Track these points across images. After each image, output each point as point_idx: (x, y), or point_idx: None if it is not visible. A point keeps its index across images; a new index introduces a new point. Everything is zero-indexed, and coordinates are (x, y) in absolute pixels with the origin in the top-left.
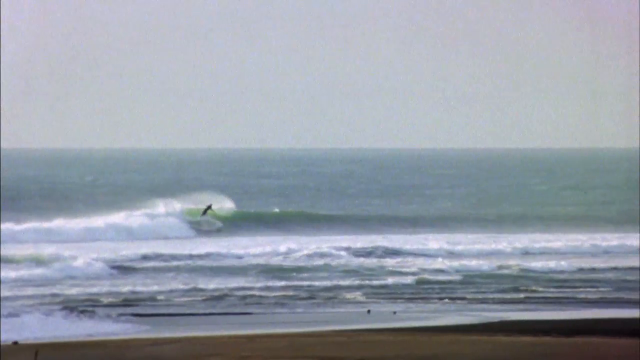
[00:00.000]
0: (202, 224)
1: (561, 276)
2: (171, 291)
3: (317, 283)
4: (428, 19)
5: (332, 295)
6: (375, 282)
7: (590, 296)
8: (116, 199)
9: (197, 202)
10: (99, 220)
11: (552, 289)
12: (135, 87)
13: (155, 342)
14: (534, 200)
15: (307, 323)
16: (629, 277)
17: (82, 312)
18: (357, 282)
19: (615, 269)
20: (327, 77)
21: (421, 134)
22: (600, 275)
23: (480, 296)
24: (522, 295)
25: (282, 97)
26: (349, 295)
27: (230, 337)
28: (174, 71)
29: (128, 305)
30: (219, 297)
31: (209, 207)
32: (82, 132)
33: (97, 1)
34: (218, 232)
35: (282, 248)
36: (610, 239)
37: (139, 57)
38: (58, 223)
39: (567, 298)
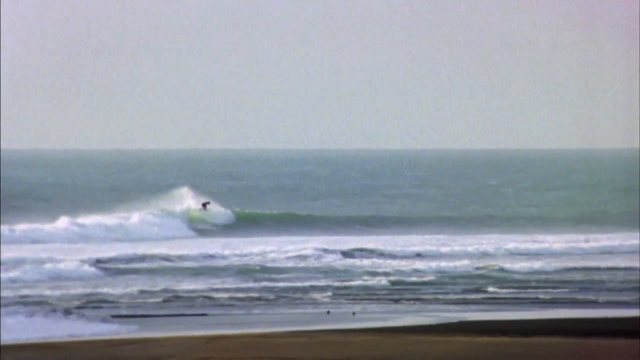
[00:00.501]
0: (202, 220)
1: (537, 277)
2: (141, 292)
3: (283, 284)
4: (418, 18)
5: (299, 296)
6: (348, 283)
7: (547, 296)
8: (114, 199)
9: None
10: (92, 220)
11: (513, 290)
12: (135, 87)
13: (112, 344)
14: (498, 202)
15: (267, 324)
16: (594, 277)
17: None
18: (326, 283)
19: (575, 269)
20: (304, 79)
21: (421, 135)
22: (566, 276)
23: (447, 297)
24: (482, 296)
25: (257, 98)
26: (317, 296)
27: (188, 337)
28: (174, 71)
29: (96, 307)
30: (176, 297)
31: (207, 203)
32: (82, 132)
33: (98, 1)
34: (217, 227)
35: (257, 249)
36: (559, 240)
37: (139, 57)
38: (49, 225)
39: (530, 298)
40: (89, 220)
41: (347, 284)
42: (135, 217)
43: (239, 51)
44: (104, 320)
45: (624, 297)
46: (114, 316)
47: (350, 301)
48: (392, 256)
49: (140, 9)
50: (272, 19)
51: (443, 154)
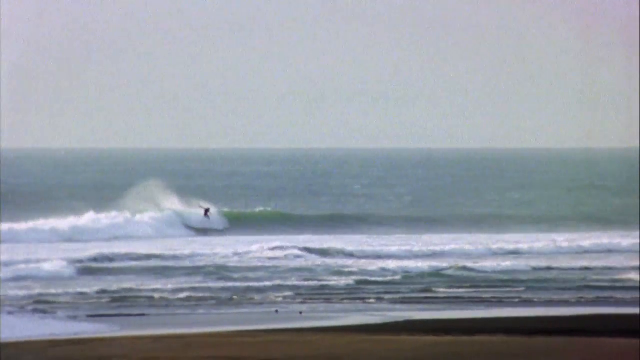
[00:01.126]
0: (207, 223)
1: (493, 277)
2: (100, 292)
3: (240, 284)
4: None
5: (252, 296)
6: (312, 283)
7: (497, 296)
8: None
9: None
10: (87, 219)
11: (465, 289)
12: (134, 87)
13: (57, 344)
14: (461, 201)
15: (214, 323)
16: (546, 276)
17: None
18: (287, 283)
19: (530, 269)
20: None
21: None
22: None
23: (406, 296)
24: (429, 295)
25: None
26: (274, 296)
27: (134, 338)
28: (173, 71)
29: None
30: (123, 298)
31: (208, 210)
32: (82, 132)
33: (98, 1)
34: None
35: (231, 250)
36: (526, 240)
37: (139, 57)
38: (39, 223)
39: (480, 298)
40: (83, 219)
41: (308, 283)
42: (125, 217)
43: (232, 52)
44: (54, 318)
45: (566, 296)
46: (70, 317)
47: (307, 301)
48: (359, 256)
49: (140, 9)
50: (244, 20)
51: (437, 154)
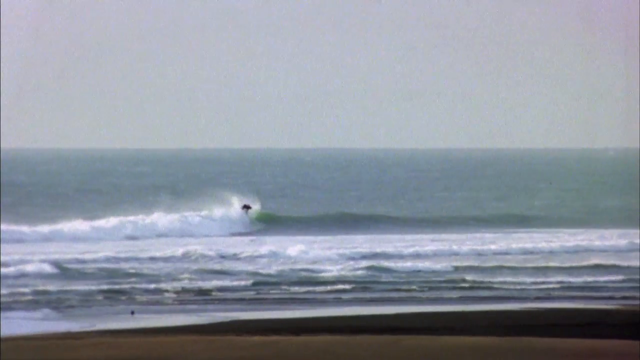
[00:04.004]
0: (244, 222)
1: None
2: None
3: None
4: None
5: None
6: (201, 284)
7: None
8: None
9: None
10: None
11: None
12: (134, 87)
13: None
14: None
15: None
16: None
17: None
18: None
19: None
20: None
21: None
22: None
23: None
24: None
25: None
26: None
27: None
28: (173, 72)
29: None
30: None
31: (248, 207)
32: (82, 133)
33: (98, 1)
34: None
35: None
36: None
37: (139, 57)
38: (34, 227)
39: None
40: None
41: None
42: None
43: (232, 53)
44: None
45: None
46: None
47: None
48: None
49: (140, 9)
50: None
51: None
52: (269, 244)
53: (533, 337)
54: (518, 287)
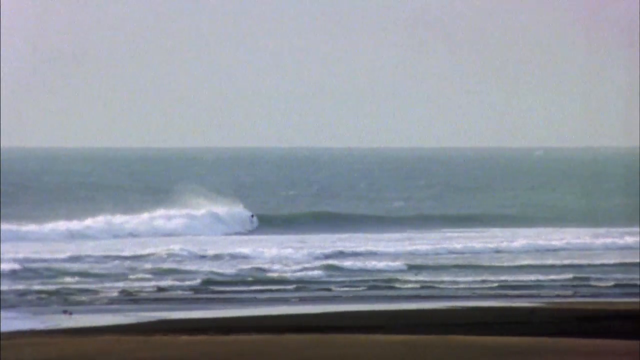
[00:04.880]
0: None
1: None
2: None
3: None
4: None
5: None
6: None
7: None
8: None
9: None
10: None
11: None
12: (134, 87)
13: None
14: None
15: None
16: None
17: None
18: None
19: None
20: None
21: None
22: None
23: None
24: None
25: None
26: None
27: None
28: (172, 72)
29: None
30: None
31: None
32: (82, 132)
33: (98, 1)
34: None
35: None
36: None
37: (139, 57)
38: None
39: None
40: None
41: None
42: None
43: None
44: None
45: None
46: None
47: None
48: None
49: (140, 9)
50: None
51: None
52: (245, 243)
53: (459, 335)
54: (460, 286)
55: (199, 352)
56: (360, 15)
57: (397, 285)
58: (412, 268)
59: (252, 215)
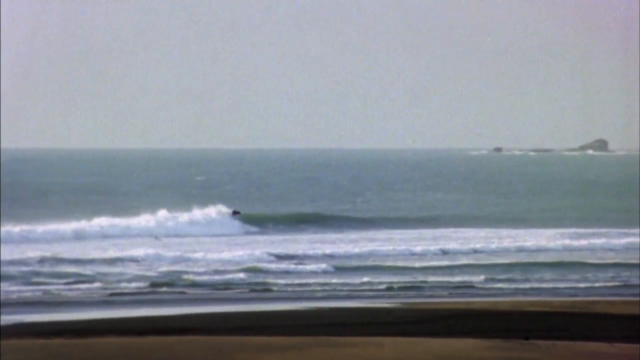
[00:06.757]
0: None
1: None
2: None
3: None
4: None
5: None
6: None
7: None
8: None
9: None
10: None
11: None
12: (135, 87)
13: None
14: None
15: None
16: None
17: None
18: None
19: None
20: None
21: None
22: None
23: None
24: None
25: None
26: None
27: None
28: (172, 71)
29: None
30: None
31: (237, 212)
32: (82, 133)
33: (97, 1)
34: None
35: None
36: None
37: (139, 57)
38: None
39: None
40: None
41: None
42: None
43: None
44: None
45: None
46: None
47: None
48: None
49: (140, 9)
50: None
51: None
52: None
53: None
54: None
55: (50, 356)
56: (360, 16)
57: (275, 288)
58: (338, 269)
59: (235, 212)
